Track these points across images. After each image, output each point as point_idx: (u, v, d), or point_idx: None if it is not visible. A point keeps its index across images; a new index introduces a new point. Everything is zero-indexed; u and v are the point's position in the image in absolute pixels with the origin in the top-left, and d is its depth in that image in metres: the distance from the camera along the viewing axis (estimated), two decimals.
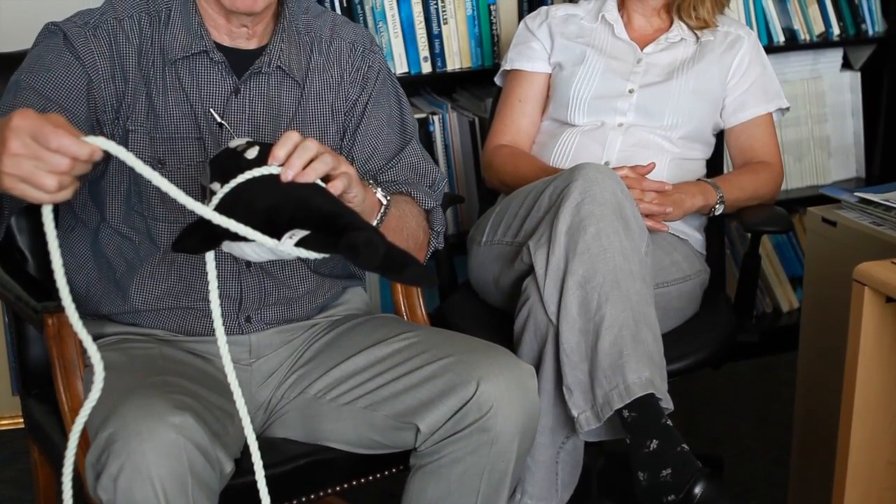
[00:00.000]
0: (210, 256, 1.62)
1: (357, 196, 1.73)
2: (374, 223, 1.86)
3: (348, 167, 1.70)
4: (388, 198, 1.89)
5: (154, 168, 1.86)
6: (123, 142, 1.92)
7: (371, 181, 1.90)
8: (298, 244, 1.54)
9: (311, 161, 1.62)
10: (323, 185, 1.64)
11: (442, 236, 2.11)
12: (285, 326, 2.04)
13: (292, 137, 1.63)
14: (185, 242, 1.61)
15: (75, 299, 1.53)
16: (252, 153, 1.64)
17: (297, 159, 1.61)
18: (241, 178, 1.60)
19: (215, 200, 1.60)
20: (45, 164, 1.43)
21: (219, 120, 1.96)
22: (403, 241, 1.95)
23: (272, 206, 1.57)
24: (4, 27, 2.84)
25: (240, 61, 1.98)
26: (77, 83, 1.91)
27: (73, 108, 1.89)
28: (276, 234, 1.55)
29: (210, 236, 1.59)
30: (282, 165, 1.61)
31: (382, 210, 1.87)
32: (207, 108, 1.96)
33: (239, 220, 1.55)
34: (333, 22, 2.10)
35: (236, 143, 1.68)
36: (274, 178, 1.60)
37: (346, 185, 1.68)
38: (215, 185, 1.62)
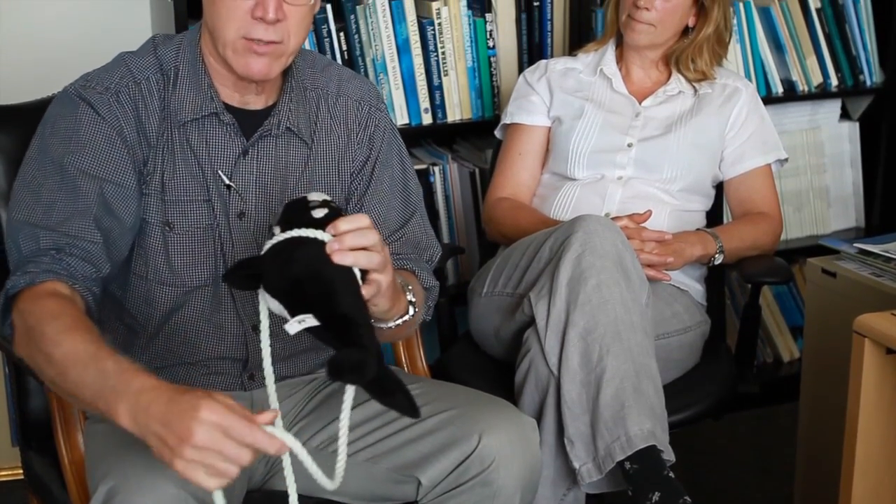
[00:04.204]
0: (261, 298, 1.67)
1: (379, 306, 1.74)
2: (391, 325, 1.85)
3: (387, 277, 1.70)
4: (417, 309, 1.88)
5: (162, 231, 1.89)
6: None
7: (409, 288, 1.88)
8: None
9: (362, 248, 1.64)
10: (359, 279, 1.65)
11: (433, 310, 2.09)
12: (287, 381, 2.03)
13: (361, 220, 1.65)
14: (231, 276, 1.68)
15: None
16: (320, 213, 1.66)
17: (350, 238, 1.62)
18: (294, 233, 1.63)
19: (268, 244, 1.64)
20: (230, 457, 1.48)
21: (227, 182, 1.93)
22: (408, 329, 1.96)
23: (300, 279, 1.61)
24: (1, 80, 2.86)
25: (249, 121, 1.95)
26: (122, 155, 1.88)
27: (126, 183, 1.88)
28: (292, 307, 1.61)
29: (253, 276, 1.65)
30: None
31: (406, 317, 1.87)
32: (216, 169, 1.93)
33: (270, 274, 1.62)
34: (340, 77, 2.08)
35: (314, 196, 1.70)
36: (320, 245, 1.62)
37: (374, 293, 1.68)
38: (276, 228, 1.66)
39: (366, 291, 1.66)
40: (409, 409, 1.65)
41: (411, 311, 1.87)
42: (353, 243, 1.63)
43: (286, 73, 1.98)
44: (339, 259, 1.62)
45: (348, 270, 1.63)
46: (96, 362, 1.60)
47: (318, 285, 1.61)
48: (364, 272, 1.66)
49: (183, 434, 1.48)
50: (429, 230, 2.13)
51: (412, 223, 2.08)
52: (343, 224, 1.63)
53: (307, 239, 1.63)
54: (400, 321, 1.86)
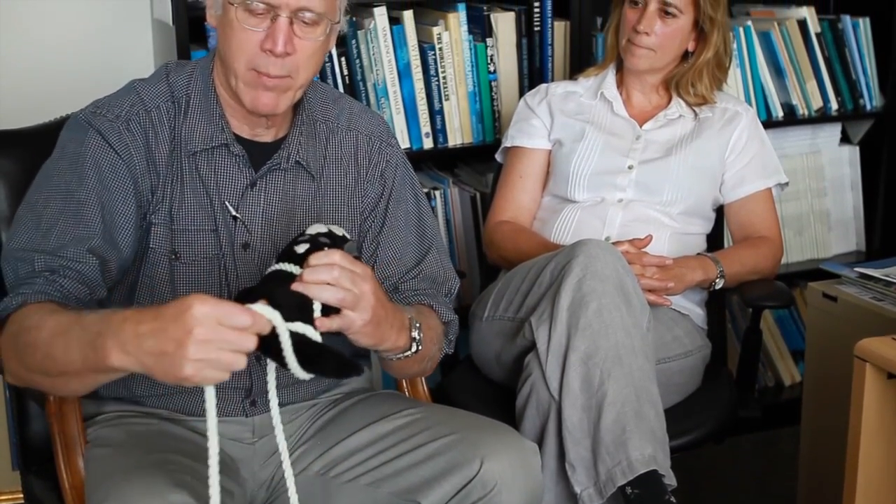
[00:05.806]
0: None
1: (361, 342, 1.76)
2: (391, 357, 1.88)
3: (363, 315, 1.69)
4: (420, 347, 1.88)
5: (168, 260, 1.90)
6: (146, 235, 1.91)
7: (417, 326, 1.88)
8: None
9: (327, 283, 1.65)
10: (316, 310, 1.66)
11: (454, 344, 2.09)
12: (288, 407, 2.03)
13: (331, 256, 1.66)
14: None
15: None
16: (302, 248, 1.70)
17: (309, 273, 1.64)
18: (273, 267, 1.69)
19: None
20: (235, 343, 1.48)
21: (233, 213, 1.93)
22: (419, 365, 1.96)
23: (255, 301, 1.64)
24: (4, 105, 2.87)
25: (258, 153, 1.95)
26: (126, 185, 1.88)
27: (127, 213, 1.88)
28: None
29: None
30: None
31: (408, 353, 1.87)
32: (224, 200, 1.93)
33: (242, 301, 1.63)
34: (350, 110, 2.08)
35: (313, 228, 1.75)
36: (292, 278, 1.66)
37: (346, 329, 1.70)
38: (273, 262, 1.72)
39: (333, 324, 1.67)
40: (343, 368, 1.65)
41: (413, 349, 1.87)
42: (311, 278, 1.64)
43: (297, 106, 1.99)
44: (297, 288, 1.64)
45: (304, 302, 1.65)
46: (77, 323, 1.61)
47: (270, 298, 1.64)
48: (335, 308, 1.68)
49: (181, 335, 1.46)
50: (446, 263, 2.12)
51: (429, 259, 2.08)
52: (313, 259, 1.66)
53: (283, 272, 1.68)
54: (402, 356, 1.87)
